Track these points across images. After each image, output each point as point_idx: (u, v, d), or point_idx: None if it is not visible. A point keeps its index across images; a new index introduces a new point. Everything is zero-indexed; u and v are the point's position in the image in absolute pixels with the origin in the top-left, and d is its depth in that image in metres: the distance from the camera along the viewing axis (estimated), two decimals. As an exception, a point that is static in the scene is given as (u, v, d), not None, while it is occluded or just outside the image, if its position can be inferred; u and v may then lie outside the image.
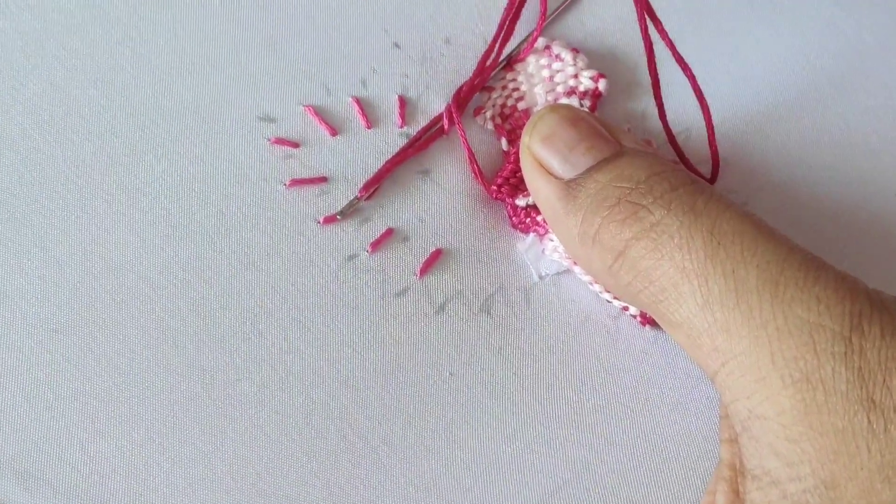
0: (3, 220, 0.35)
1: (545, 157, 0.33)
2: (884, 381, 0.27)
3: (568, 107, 0.35)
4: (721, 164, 0.38)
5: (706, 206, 0.30)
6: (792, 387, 0.27)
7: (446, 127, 0.38)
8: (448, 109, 0.38)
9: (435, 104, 0.39)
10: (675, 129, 0.38)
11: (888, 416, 0.26)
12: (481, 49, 0.40)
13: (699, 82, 0.38)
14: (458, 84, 0.39)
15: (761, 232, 0.30)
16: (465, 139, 0.37)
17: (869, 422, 0.26)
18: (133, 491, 0.33)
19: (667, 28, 0.40)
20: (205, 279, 0.35)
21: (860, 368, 0.27)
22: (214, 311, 0.35)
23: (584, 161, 0.33)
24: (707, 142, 0.37)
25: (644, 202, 0.31)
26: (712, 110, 0.38)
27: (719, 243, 0.29)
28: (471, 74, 0.39)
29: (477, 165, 0.37)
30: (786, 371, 0.27)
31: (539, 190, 0.33)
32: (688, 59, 0.39)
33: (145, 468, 0.33)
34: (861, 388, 0.27)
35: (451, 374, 0.35)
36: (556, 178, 0.33)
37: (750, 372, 0.28)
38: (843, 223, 0.38)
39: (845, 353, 0.27)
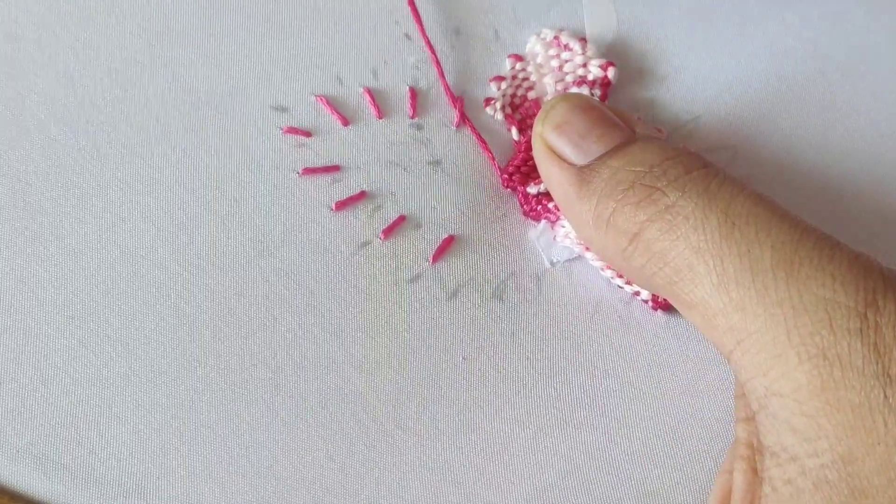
0: (21, 209, 0.36)
1: (558, 144, 0.34)
2: (899, 355, 0.27)
3: (579, 95, 0.35)
4: (730, 151, 0.38)
5: (720, 189, 0.30)
6: (808, 362, 0.27)
7: (457, 122, 0.39)
8: (460, 105, 0.39)
9: (446, 95, 0.39)
10: (684, 117, 0.38)
11: (904, 390, 0.27)
12: (492, 41, 0.40)
13: (708, 70, 0.38)
14: (469, 74, 0.40)
15: (776, 213, 0.30)
16: (477, 132, 0.38)
17: (885, 396, 0.27)
18: (150, 474, 0.33)
19: (677, 18, 0.40)
20: (220, 266, 0.35)
21: (876, 344, 0.27)
22: (229, 297, 0.35)
23: (596, 148, 0.33)
24: (715, 131, 0.37)
25: (659, 185, 0.31)
26: (721, 99, 0.39)
27: (734, 224, 0.29)
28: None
29: (490, 153, 0.38)
30: (801, 347, 0.27)
31: (552, 176, 0.34)
32: (697, 49, 0.40)
33: (161, 452, 0.33)
34: (877, 362, 0.27)
35: (463, 358, 0.35)
36: (569, 164, 0.33)
37: (766, 349, 0.28)
38: (853, 208, 0.38)
39: (861, 329, 0.27)
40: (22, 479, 0.32)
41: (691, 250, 0.30)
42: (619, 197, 0.31)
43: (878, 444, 0.27)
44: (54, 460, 0.33)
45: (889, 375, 0.27)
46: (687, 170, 0.31)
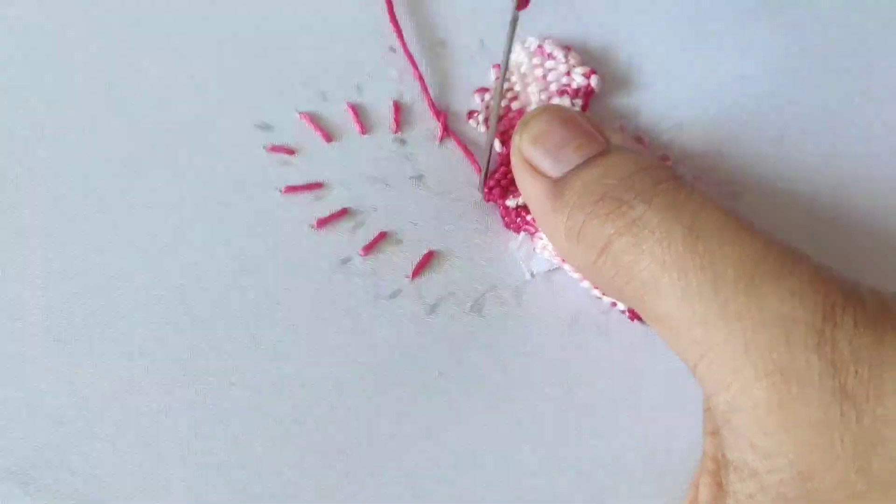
0: (7, 232, 0.36)
1: (535, 156, 0.34)
2: (856, 371, 0.26)
3: (558, 107, 0.35)
4: (716, 155, 0.38)
5: (687, 202, 0.30)
6: (766, 378, 0.27)
7: (440, 136, 0.39)
8: (443, 119, 0.39)
9: (429, 109, 0.39)
10: (666, 123, 0.38)
11: (860, 407, 0.26)
12: (477, 51, 0.40)
13: (693, 77, 0.38)
14: (454, 86, 0.40)
15: (741, 227, 0.30)
16: (463, 145, 0.38)
17: (842, 413, 0.26)
18: (130, 493, 0.33)
19: (667, 26, 0.40)
20: (202, 286, 0.36)
21: (833, 359, 0.27)
22: (210, 317, 0.35)
23: (572, 159, 0.33)
24: (699, 137, 0.37)
25: (626, 198, 0.31)
26: (705, 105, 0.38)
27: (698, 237, 0.29)
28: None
29: (478, 165, 0.38)
30: (760, 363, 0.27)
31: (528, 189, 0.34)
32: (681, 56, 0.40)
33: (141, 472, 0.33)
34: (834, 378, 0.26)
35: (440, 373, 0.35)
36: (545, 176, 0.33)
37: (726, 364, 0.28)
38: (843, 211, 0.38)
39: (818, 344, 0.27)
40: (5, 500, 0.33)
41: (656, 264, 0.29)
42: (589, 209, 0.31)
43: (836, 460, 0.26)
44: (38, 481, 0.33)
45: (845, 391, 0.26)
46: (655, 182, 0.31)
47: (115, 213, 0.37)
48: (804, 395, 0.27)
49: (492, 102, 0.39)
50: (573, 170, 0.33)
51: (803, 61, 0.40)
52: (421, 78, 0.40)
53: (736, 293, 0.28)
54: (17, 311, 0.35)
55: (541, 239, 0.37)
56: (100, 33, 0.40)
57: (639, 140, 0.38)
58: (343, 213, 0.37)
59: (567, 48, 0.40)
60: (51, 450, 0.34)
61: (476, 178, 0.38)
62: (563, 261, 0.36)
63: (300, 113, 0.39)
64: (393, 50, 0.40)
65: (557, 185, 0.33)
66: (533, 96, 0.39)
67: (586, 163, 0.32)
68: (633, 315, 0.36)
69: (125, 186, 0.37)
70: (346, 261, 0.37)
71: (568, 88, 0.39)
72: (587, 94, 0.39)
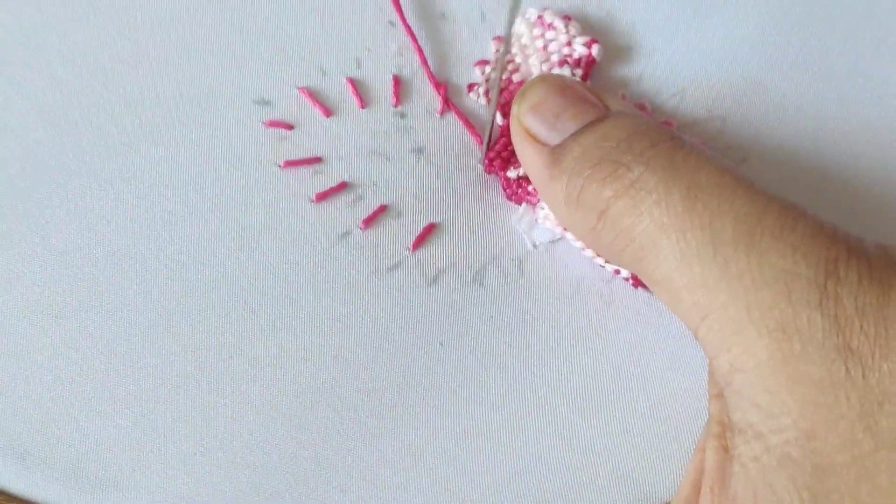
0: (5, 209, 0.36)
1: (533, 125, 0.33)
2: (861, 327, 0.26)
3: (555, 76, 0.35)
4: (720, 121, 0.37)
5: (685, 161, 0.30)
6: (768, 337, 0.26)
7: (441, 109, 0.38)
8: (443, 91, 0.38)
9: (429, 82, 0.39)
10: (669, 90, 0.37)
11: (866, 364, 0.26)
12: (477, 23, 0.40)
13: (695, 42, 0.37)
14: (454, 60, 0.39)
15: (740, 184, 0.29)
16: (464, 118, 0.38)
17: (847, 370, 0.26)
18: (129, 467, 0.33)
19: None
20: (201, 261, 0.36)
21: (836, 316, 0.26)
22: (209, 291, 0.35)
23: (570, 126, 0.32)
24: (703, 103, 0.36)
25: (624, 160, 0.30)
26: (711, 69, 0.38)
27: (697, 197, 0.29)
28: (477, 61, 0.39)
29: (479, 137, 0.37)
30: (761, 322, 0.27)
31: (528, 158, 0.33)
32: (683, 21, 0.39)
33: (140, 445, 0.34)
34: (838, 335, 0.26)
35: (441, 343, 0.35)
36: (544, 145, 0.33)
37: (728, 325, 0.27)
38: (848, 174, 0.37)
39: (821, 301, 0.26)
40: (5, 475, 0.33)
41: (655, 226, 0.29)
42: (587, 174, 0.31)
43: (841, 419, 0.26)
44: (36, 456, 0.33)
45: (850, 348, 0.26)
46: (652, 143, 0.30)
47: (115, 188, 0.37)
48: (807, 353, 0.26)
49: (492, 75, 0.39)
50: (571, 136, 0.32)
51: (806, 23, 0.39)
52: (420, 51, 0.39)
53: (736, 252, 0.27)
54: (14, 287, 0.35)
55: (542, 209, 0.36)
56: (98, 9, 0.39)
57: (641, 107, 0.38)
58: (343, 186, 0.37)
59: (567, 18, 0.39)
60: (48, 424, 0.34)
61: (477, 151, 0.38)
62: (565, 230, 0.36)
63: (299, 88, 0.39)
64: (392, 24, 0.40)
65: (556, 152, 0.32)
66: (534, 68, 0.39)
67: (584, 128, 0.32)
68: (637, 282, 0.35)
69: (125, 162, 0.37)
70: (345, 234, 0.36)
71: (569, 59, 0.38)
72: (588, 64, 0.38)
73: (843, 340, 0.26)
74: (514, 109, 0.34)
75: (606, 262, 0.36)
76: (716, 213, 0.28)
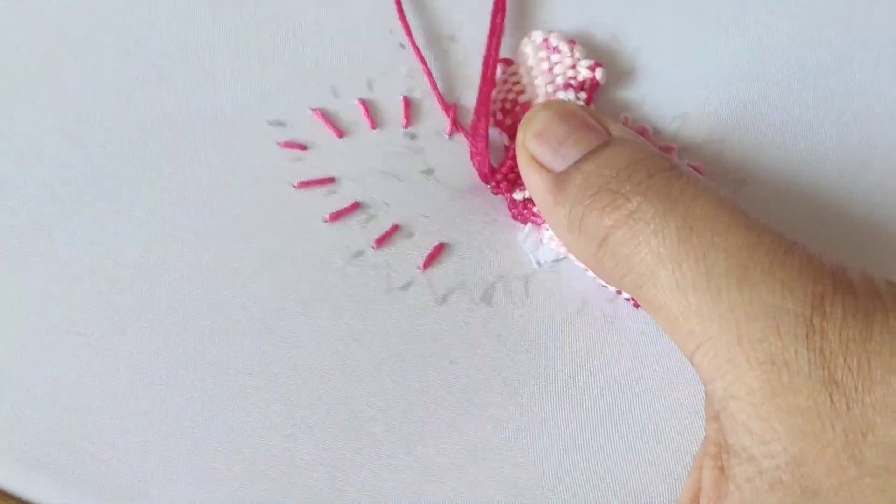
0: (31, 230, 0.38)
1: (538, 151, 0.34)
2: (845, 360, 0.27)
3: (560, 102, 0.36)
4: (719, 143, 0.39)
5: (682, 192, 0.31)
6: (758, 368, 0.28)
7: (450, 130, 0.40)
8: (452, 112, 0.40)
9: (438, 103, 0.40)
10: (671, 113, 0.39)
11: (850, 395, 0.27)
12: (485, 44, 0.41)
13: (698, 66, 0.39)
14: (463, 81, 0.41)
15: (734, 217, 0.30)
16: (476, 140, 0.39)
17: (832, 401, 0.27)
18: (158, 480, 0.35)
19: (668, 12, 0.41)
20: (220, 281, 0.37)
21: (822, 349, 0.27)
22: (228, 311, 0.37)
23: (573, 153, 0.34)
24: (704, 126, 0.37)
25: (623, 190, 0.31)
26: (713, 92, 0.39)
27: (692, 228, 0.30)
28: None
29: (489, 162, 0.39)
30: (752, 354, 0.28)
31: (533, 183, 0.35)
32: (686, 45, 0.40)
33: (168, 459, 0.35)
34: (823, 368, 0.27)
35: (451, 362, 0.36)
36: (548, 171, 0.34)
37: (721, 354, 0.29)
38: (846, 198, 0.38)
39: (807, 335, 0.28)
40: (33, 487, 0.35)
41: (652, 256, 0.30)
42: (588, 202, 0.32)
43: (828, 447, 0.27)
44: (65, 467, 0.35)
45: (835, 381, 0.27)
46: (650, 173, 0.32)
47: (138, 211, 0.38)
48: (794, 385, 0.27)
49: (497, 97, 0.40)
50: (574, 164, 0.33)
51: (807, 48, 0.40)
52: (430, 73, 0.40)
53: (728, 285, 0.29)
54: (39, 305, 0.37)
55: (547, 230, 0.37)
56: (115, 30, 0.41)
57: (643, 131, 0.39)
58: (355, 206, 0.39)
59: (572, 42, 0.40)
60: (78, 440, 0.35)
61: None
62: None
63: (313, 109, 0.40)
64: (402, 46, 0.41)
65: (560, 179, 0.33)
66: (539, 89, 0.40)
67: (586, 156, 0.33)
68: (637, 303, 0.37)
69: (146, 185, 0.39)
70: (359, 253, 0.38)
71: (573, 81, 0.39)
72: (592, 87, 0.39)
73: (828, 373, 0.27)
74: (520, 135, 0.35)
75: (607, 284, 0.37)
76: (710, 245, 0.30)
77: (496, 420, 0.36)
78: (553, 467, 0.35)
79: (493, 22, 0.40)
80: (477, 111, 0.39)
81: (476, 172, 0.39)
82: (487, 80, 0.39)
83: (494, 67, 0.40)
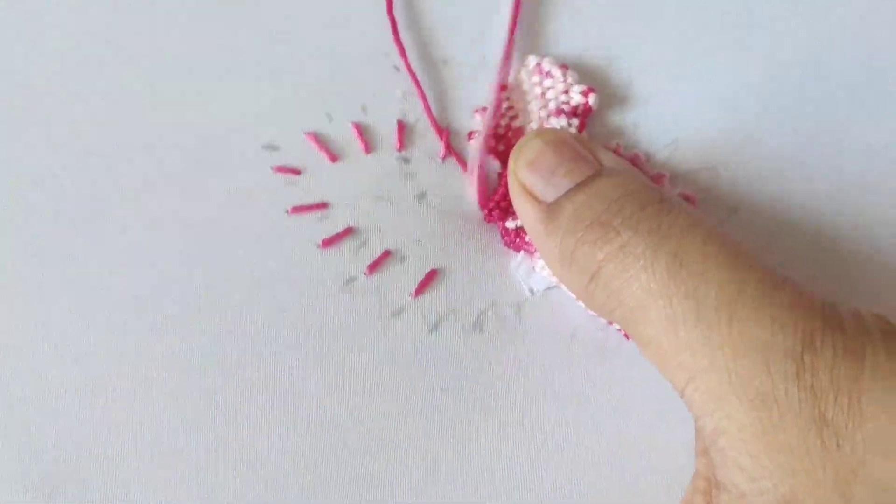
0: (28, 256, 0.38)
1: (530, 181, 0.34)
2: (835, 398, 0.27)
3: (552, 131, 0.36)
4: (712, 171, 0.39)
5: (671, 226, 0.31)
6: (748, 404, 0.28)
7: (443, 154, 0.40)
8: (445, 137, 0.40)
9: (432, 127, 0.40)
10: (663, 140, 0.39)
11: (840, 433, 0.27)
12: (479, 68, 0.41)
13: (691, 92, 0.39)
14: (457, 105, 0.41)
15: (724, 251, 0.30)
16: (464, 165, 0.39)
17: (822, 440, 0.27)
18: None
19: (668, 39, 0.41)
20: (209, 307, 0.37)
21: (812, 387, 0.27)
22: (217, 336, 0.37)
23: (564, 183, 0.34)
24: (696, 153, 0.37)
25: (614, 223, 0.32)
26: (706, 119, 0.39)
27: (682, 263, 0.30)
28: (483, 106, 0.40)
29: (483, 189, 0.39)
30: (742, 390, 0.28)
31: (524, 213, 0.35)
32: (679, 71, 0.40)
33: (166, 485, 0.35)
34: (814, 406, 0.27)
35: (442, 390, 0.36)
36: (539, 201, 0.34)
37: (711, 389, 0.29)
38: (839, 226, 0.38)
39: (797, 373, 0.28)
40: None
41: (643, 290, 0.30)
42: (580, 234, 0.32)
43: (818, 486, 0.27)
44: (65, 494, 0.35)
45: (826, 419, 0.27)
46: (641, 206, 0.32)
47: (133, 236, 0.38)
48: (784, 423, 0.27)
49: (490, 122, 0.40)
50: (565, 194, 0.33)
51: (801, 76, 0.41)
52: (424, 97, 0.40)
53: (718, 321, 0.29)
54: (38, 334, 0.37)
55: (539, 259, 0.37)
56: (109, 54, 0.41)
57: (635, 159, 0.39)
58: (348, 231, 0.39)
59: (564, 67, 0.40)
60: (75, 468, 0.35)
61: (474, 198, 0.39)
62: (561, 279, 0.37)
63: (306, 133, 0.40)
64: (397, 69, 0.41)
65: (551, 210, 0.33)
66: (533, 114, 0.40)
67: (577, 187, 0.33)
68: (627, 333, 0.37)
69: (141, 210, 0.38)
70: (351, 280, 0.38)
71: (566, 107, 0.39)
72: (585, 113, 0.39)
73: (818, 412, 0.27)
74: (511, 164, 0.35)
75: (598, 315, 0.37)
76: (700, 280, 0.30)
77: (488, 450, 0.36)
78: (546, 499, 0.35)
79: (506, 48, 0.40)
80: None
81: (470, 199, 0.39)
82: (497, 108, 0.40)
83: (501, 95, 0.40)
